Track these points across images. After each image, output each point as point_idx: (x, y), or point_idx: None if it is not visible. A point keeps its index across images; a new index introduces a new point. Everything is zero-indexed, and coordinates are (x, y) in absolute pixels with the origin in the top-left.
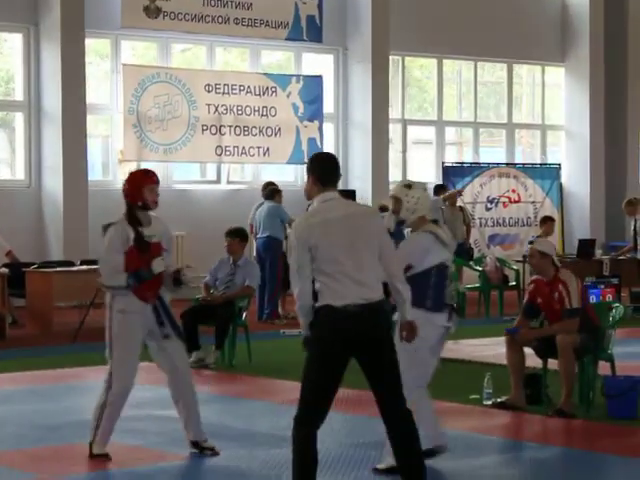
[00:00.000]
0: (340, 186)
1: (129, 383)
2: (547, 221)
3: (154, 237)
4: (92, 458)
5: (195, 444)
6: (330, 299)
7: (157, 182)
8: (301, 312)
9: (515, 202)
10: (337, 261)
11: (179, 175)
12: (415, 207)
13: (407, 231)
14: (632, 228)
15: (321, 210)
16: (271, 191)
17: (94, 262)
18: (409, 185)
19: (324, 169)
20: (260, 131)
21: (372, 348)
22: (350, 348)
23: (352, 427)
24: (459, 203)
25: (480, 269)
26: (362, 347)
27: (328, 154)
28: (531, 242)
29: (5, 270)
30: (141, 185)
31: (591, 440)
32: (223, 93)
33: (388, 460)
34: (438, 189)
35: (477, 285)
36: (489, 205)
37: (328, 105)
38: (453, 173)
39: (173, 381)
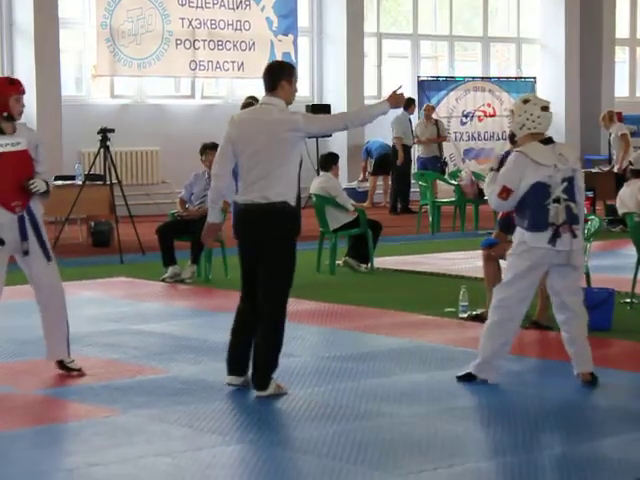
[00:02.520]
0: (315, 100)
1: None
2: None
3: (18, 145)
4: None
5: (60, 364)
6: (237, 193)
7: (23, 92)
8: (210, 194)
9: (490, 116)
10: (246, 159)
11: (153, 90)
12: (525, 122)
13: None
14: (607, 140)
15: (251, 112)
16: (247, 105)
17: (69, 178)
18: (527, 100)
19: (263, 77)
20: (234, 45)
21: (254, 245)
22: (242, 239)
23: (327, 340)
24: (434, 116)
25: (455, 183)
26: (248, 241)
27: (270, 63)
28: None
29: None
30: (7, 95)
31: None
32: (197, 7)
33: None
34: (407, 102)
35: (452, 199)
36: (464, 119)
37: (302, 19)
38: (428, 87)
39: (37, 298)
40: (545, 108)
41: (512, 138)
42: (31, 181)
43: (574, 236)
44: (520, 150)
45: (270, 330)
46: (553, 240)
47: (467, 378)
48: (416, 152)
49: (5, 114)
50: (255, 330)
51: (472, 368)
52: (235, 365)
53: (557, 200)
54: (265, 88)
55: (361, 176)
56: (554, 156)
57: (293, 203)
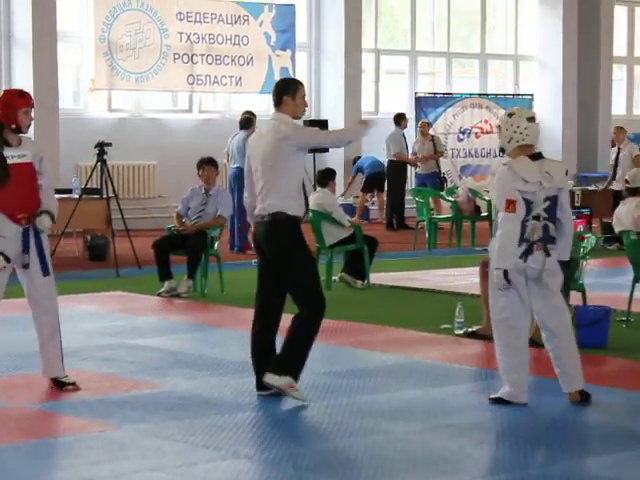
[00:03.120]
0: (312, 116)
1: None
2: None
3: (24, 157)
4: None
5: (54, 380)
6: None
7: (32, 105)
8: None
9: (487, 133)
10: (255, 174)
11: (150, 104)
12: (512, 135)
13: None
14: (614, 157)
15: (259, 129)
16: (244, 120)
17: (65, 191)
18: (511, 113)
19: (272, 94)
20: (232, 60)
21: (263, 257)
22: (258, 250)
23: (322, 355)
24: (431, 132)
25: (452, 200)
26: (259, 254)
27: (278, 80)
28: None
29: None
30: (17, 107)
31: None
32: (195, 21)
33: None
34: (399, 119)
35: (449, 215)
36: (461, 136)
37: (301, 34)
38: (425, 103)
39: (32, 312)
40: (531, 119)
41: (503, 152)
42: (38, 218)
43: (547, 255)
44: (507, 164)
45: (301, 327)
46: (525, 256)
47: (499, 402)
48: (414, 169)
49: (13, 126)
50: (267, 337)
51: (503, 395)
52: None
53: (537, 217)
54: (274, 103)
55: (344, 190)
56: (540, 173)
57: (292, 212)
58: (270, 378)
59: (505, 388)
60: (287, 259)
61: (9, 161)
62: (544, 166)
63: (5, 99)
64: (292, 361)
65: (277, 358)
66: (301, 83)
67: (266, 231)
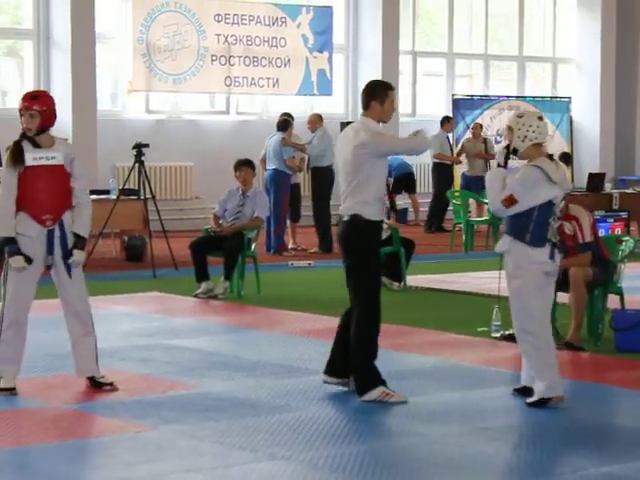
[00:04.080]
0: (349, 118)
1: (19, 313)
2: (568, 159)
3: (53, 159)
4: None
5: (91, 380)
6: None
7: (28, 108)
8: None
9: None
10: (339, 176)
11: (188, 105)
12: (526, 134)
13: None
14: None
15: (346, 130)
16: (281, 122)
17: (103, 192)
18: (521, 115)
19: (361, 95)
20: (269, 62)
21: (343, 256)
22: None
23: None
24: (483, 135)
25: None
26: (341, 253)
27: (368, 82)
28: None
29: None
30: (20, 109)
31: (599, 373)
32: (233, 23)
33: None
34: (444, 121)
35: (486, 218)
36: (498, 138)
37: (338, 36)
38: (463, 106)
39: (63, 312)
40: (540, 118)
41: (515, 153)
42: (71, 259)
43: (559, 252)
44: (536, 165)
45: (355, 336)
46: (552, 256)
47: (539, 404)
48: (460, 169)
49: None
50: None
51: (542, 394)
52: (329, 365)
53: (554, 218)
54: (362, 107)
55: None
56: (559, 174)
57: (367, 217)
58: (366, 397)
59: (542, 386)
60: (353, 259)
61: (36, 162)
62: (560, 167)
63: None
64: (358, 374)
65: (355, 378)
66: (391, 87)
67: (342, 231)
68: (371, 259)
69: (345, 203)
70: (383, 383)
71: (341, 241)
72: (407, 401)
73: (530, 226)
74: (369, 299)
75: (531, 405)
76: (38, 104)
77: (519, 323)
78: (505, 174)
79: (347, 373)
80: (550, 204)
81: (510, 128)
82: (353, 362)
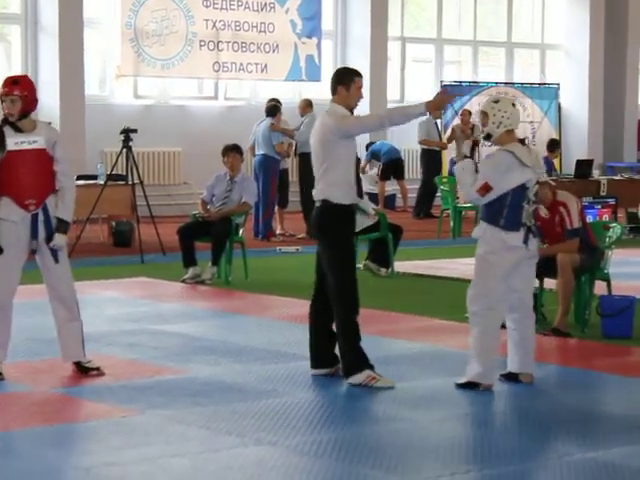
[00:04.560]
0: None
1: (3, 298)
2: (556, 146)
3: (35, 143)
4: None
5: (77, 365)
6: None
7: (10, 93)
8: None
9: None
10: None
11: (176, 91)
12: (501, 120)
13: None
14: None
15: (319, 115)
16: (270, 107)
17: (91, 177)
18: (497, 100)
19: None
20: (258, 47)
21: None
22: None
23: None
24: (471, 121)
25: None
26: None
27: (336, 69)
28: None
29: None
30: (1, 95)
31: (586, 359)
32: (221, 8)
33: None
34: None
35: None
36: None
37: (327, 22)
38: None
39: (49, 297)
40: (514, 105)
41: (489, 138)
42: (52, 243)
43: (535, 237)
44: (507, 149)
45: (336, 322)
46: (526, 240)
47: (468, 386)
48: (449, 155)
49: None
50: (324, 318)
51: (474, 378)
52: (313, 360)
53: (528, 202)
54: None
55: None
56: (532, 158)
57: (336, 201)
58: (351, 380)
59: (477, 369)
60: (324, 244)
61: (17, 147)
62: (532, 151)
63: None
64: (345, 358)
65: (342, 362)
66: (359, 74)
67: (314, 216)
68: (341, 243)
69: (316, 187)
70: (370, 367)
71: (313, 226)
72: (394, 386)
73: (504, 211)
74: (342, 284)
75: (460, 386)
76: (19, 89)
77: (474, 306)
78: (473, 165)
79: (333, 362)
80: (523, 188)
81: (485, 113)
82: (340, 348)
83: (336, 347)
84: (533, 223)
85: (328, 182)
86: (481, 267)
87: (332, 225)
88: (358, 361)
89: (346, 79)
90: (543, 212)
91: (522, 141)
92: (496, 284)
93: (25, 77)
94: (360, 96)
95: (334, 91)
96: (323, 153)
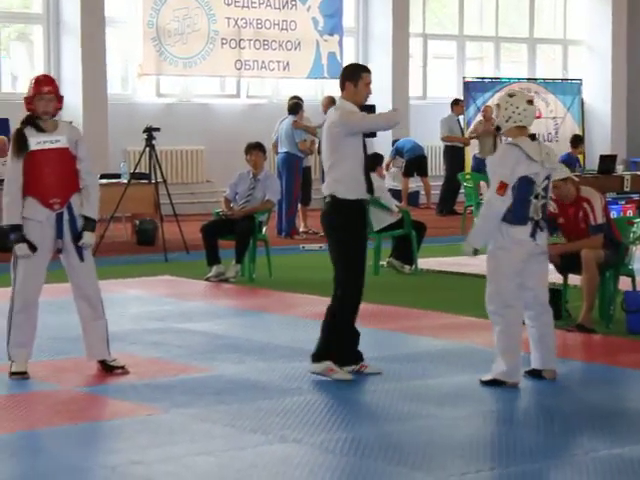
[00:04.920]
0: None
1: (29, 297)
2: (580, 141)
3: (57, 142)
4: (10, 377)
5: (102, 363)
6: None
7: (47, 92)
8: None
9: (536, 118)
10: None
11: (198, 89)
12: (511, 115)
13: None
14: None
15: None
16: (292, 105)
17: (114, 176)
18: (512, 94)
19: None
20: (280, 45)
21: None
22: None
23: (370, 341)
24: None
25: None
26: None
27: (345, 66)
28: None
29: None
30: (32, 94)
31: (610, 355)
32: (243, 6)
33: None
34: (454, 104)
35: None
36: None
37: (348, 19)
38: (474, 88)
39: (74, 296)
40: (530, 102)
41: (498, 130)
42: (81, 241)
43: (543, 231)
44: (513, 142)
45: (328, 312)
46: (533, 234)
47: (493, 384)
48: (472, 152)
49: (29, 113)
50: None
51: (499, 376)
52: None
53: (537, 196)
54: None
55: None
56: (542, 153)
57: (342, 196)
58: (311, 367)
59: (502, 367)
60: (331, 239)
61: (40, 147)
62: (542, 147)
63: (30, 85)
64: (327, 346)
65: (316, 346)
66: (367, 70)
67: (323, 211)
68: (347, 238)
69: (324, 182)
70: (335, 360)
71: (320, 221)
72: (351, 380)
73: (511, 204)
74: (344, 281)
75: (485, 384)
76: (53, 88)
77: (491, 306)
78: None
79: (357, 358)
80: (530, 181)
81: (498, 106)
82: (321, 335)
83: (358, 343)
84: (541, 217)
85: (334, 177)
86: (492, 264)
87: (338, 220)
88: (325, 352)
89: (354, 75)
90: (552, 207)
91: (533, 137)
92: (508, 282)
93: (52, 76)
94: (368, 92)
95: (342, 87)
96: (330, 148)
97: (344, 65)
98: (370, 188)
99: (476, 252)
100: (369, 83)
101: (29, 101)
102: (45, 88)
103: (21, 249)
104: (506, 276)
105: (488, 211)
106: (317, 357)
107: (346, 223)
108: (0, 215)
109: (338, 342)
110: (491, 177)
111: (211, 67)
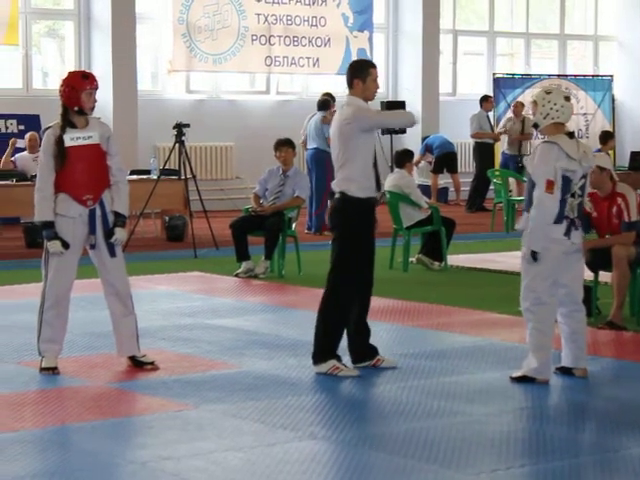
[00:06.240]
0: (389, 97)
1: (61, 293)
2: (609, 137)
3: (90, 139)
4: (41, 372)
5: (132, 359)
6: None
7: (96, 87)
8: None
9: None
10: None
11: (228, 85)
12: (549, 112)
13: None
14: None
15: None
16: (322, 101)
17: (144, 172)
18: (549, 91)
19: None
20: (310, 41)
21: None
22: None
23: (400, 337)
24: (524, 114)
25: None
26: None
27: (350, 62)
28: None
29: None
30: (80, 89)
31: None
32: (273, 3)
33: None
34: (483, 100)
35: None
36: None
37: (378, 15)
38: (504, 85)
39: (104, 292)
40: (567, 98)
41: (536, 128)
42: (113, 237)
43: (578, 230)
44: (551, 140)
45: (320, 309)
46: (568, 233)
47: (523, 380)
48: (501, 148)
49: (76, 108)
50: (353, 314)
51: (529, 372)
52: (352, 355)
53: (573, 195)
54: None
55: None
56: (579, 151)
57: (352, 194)
58: (317, 369)
59: (534, 364)
60: (335, 236)
61: (74, 143)
62: (580, 145)
63: (69, 81)
64: (325, 344)
65: (314, 347)
66: (373, 65)
67: (332, 207)
68: (351, 236)
69: (335, 179)
70: (336, 357)
71: (328, 218)
72: (359, 375)
73: None
74: (337, 280)
75: (515, 380)
76: (96, 82)
77: (525, 302)
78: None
79: (372, 354)
80: (566, 179)
81: (535, 103)
82: (317, 335)
83: (370, 337)
84: (577, 216)
85: (346, 175)
86: (526, 262)
87: (346, 218)
88: (326, 351)
89: (362, 72)
90: (588, 206)
91: (571, 134)
92: (542, 279)
93: None
94: (376, 87)
95: (350, 84)
96: (341, 145)
97: (351, 62)
98: (378, 186)
99: (535, 256)
100: (376, 78)
101: (76, 95)
102: (94, 83)
103: (54, 246)
104: (541, 273)
105: (541, 211)
106: (320, 359)
107: (355, 222)
108: (32, 211)
109: (334, 334)
110: (534, 178)
111: (241, 63)
